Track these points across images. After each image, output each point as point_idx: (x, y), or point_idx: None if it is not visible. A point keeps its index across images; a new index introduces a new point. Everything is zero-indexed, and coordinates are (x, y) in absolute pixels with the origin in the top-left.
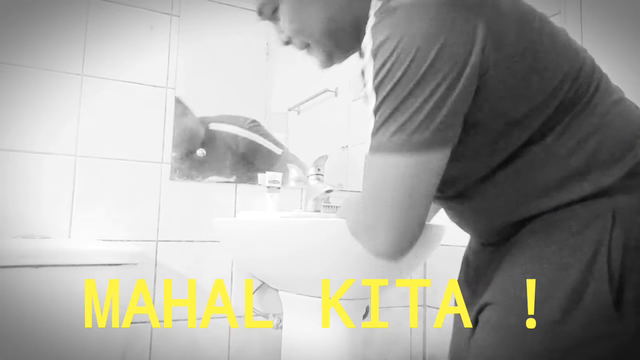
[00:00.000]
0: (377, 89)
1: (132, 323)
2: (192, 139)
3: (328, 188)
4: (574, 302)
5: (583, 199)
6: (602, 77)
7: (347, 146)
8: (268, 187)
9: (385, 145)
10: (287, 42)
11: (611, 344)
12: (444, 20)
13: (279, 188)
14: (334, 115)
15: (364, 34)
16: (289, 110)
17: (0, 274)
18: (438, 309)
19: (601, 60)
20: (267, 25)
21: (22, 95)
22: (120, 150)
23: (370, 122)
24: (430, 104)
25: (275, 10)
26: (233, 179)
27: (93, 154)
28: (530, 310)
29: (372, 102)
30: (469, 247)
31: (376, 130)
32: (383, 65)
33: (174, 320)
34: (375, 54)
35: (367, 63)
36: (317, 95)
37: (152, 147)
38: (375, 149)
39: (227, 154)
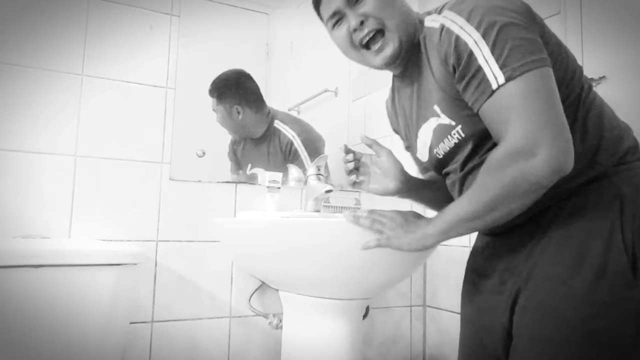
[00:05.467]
0: (485, 36)
1: (132, 323)
2: (255, 126)
3: (328, 188)
4: (600, 274)
5: (592, 180)
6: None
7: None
8: (268, 187)
9: (519, 69)
10: (362, 23)
11: (631, 306)
12: (521, 2)
13: (279, 188)
14: (334, 115)
15: (416, 41)
16: (289, 110)
17: (0, 274)
18: (438, 308)
19: (601, 60)
20: (267, 25)
21: (22, 95)
22: (120, 150)
23: (483, 70)
24: (535, 39)
25: None
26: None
27: (93, 154)
28: (563, 287)
29: (484, 48)
30: (478, 240)
31: (504, 64)
32: (482, 20)
33: (174, 320)
34: (469, 17)
35: (457, 31)
36: (317, 95)
37: (152, 147)
38: (509, 77)
39: (278, 152)
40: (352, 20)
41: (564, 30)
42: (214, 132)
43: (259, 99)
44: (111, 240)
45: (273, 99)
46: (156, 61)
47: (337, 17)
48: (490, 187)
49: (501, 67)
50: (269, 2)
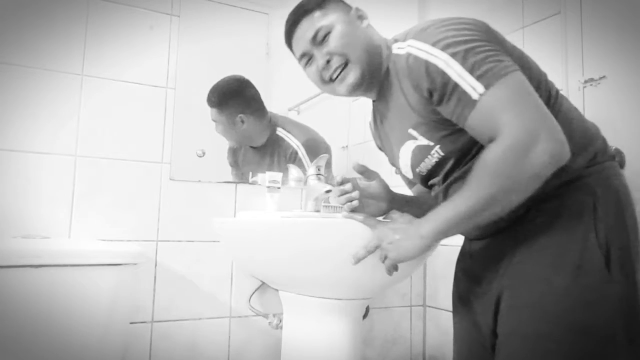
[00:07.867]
0: (453, 55)
1: (132, 323)
2: (258, 134)
3: (328, 188)
4: (578, 271)
5: (567, 183)
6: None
7: (347, 146)
8: (268, 187)
9: (494, 76)
10: (328, 61)
11: (606, 299)
12: (478, 22)
13: (279, 188)
14: (334, 115)
15: (385, 68)
16: (289, 110)
17: (0, 274)
18: (438, 309)
19: (601, 60)
20: (267, 25)
21: (22, 95)
22: (120, 150)
23: (460, 86)
24: (499, 50)
25: (327, 34)
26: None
27: (93, 154)
28: (545, 284)
29: (455, 66)
30: (465, 244)
31: (479, 75)
32: (448, 42)
33: (174, 320)
34: (434, 42)
35: (425, 57)
36: (317, 95)
37: (152, 147)
38: (487, 84)
39: (281, 158)
40: (319, 60)
41: (564, 30)
42: (214, 132)
43: (261, 107)
44: (111, 240)
45: (273, 99)
46: (156, 61)
47: (307, 58)
48: (491, 182)
49: (477, 78)
50: (269, 2)
